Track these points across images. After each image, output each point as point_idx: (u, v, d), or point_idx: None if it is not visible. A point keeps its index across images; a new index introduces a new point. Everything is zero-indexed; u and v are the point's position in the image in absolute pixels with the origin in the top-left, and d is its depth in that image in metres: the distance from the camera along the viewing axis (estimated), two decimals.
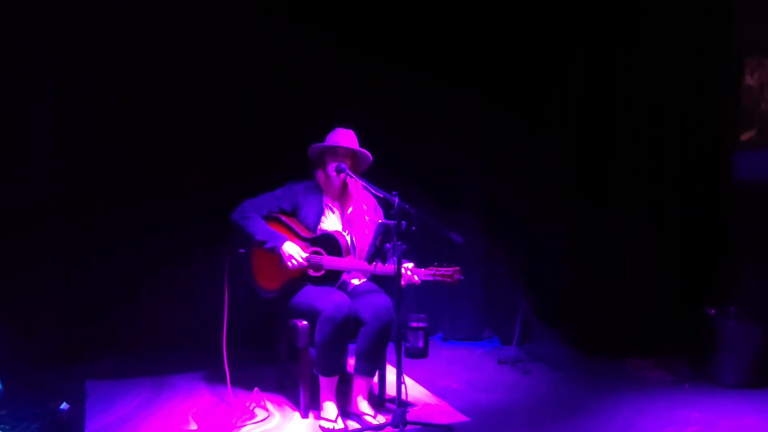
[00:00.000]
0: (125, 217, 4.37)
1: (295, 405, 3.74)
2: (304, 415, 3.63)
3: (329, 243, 3.64)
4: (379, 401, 3.81)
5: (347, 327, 3.49)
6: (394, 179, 4.41)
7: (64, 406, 3.52)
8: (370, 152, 3.78)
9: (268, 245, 3.60)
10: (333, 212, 3.81)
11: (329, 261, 3.62)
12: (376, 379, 3.77)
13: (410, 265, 3.47)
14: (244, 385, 3.85)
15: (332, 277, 3.64)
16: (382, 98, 4.82)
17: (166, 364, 4.33)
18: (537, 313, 4.82)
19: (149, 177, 4.41)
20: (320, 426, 3.51)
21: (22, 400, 3.64)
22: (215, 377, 4.07)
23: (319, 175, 3.80)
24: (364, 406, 3.60)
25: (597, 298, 4.91)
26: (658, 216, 4.97)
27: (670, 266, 4.98)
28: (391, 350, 3.64)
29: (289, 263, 3.57)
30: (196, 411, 3.69)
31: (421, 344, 4.72)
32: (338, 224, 3.78)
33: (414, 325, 4.70)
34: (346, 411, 3.63)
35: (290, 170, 4.00)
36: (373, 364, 3.61)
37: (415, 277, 3.47)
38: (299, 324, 3.60)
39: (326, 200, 3.81)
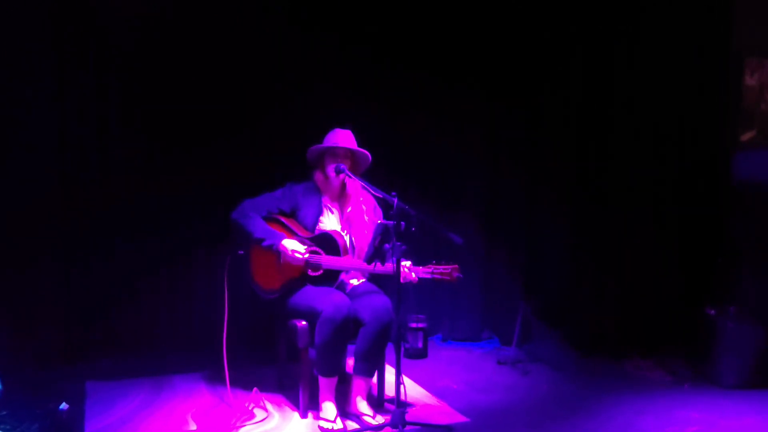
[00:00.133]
0: (125, 217, 4.37)
1: (295, 405, 3.74)
2: (304, 416, 3.63)
3: (327, 243, 3.64)
4: (378, 402, 3.82)
5: (347, 327, 3.49)
6: (393, 179, 4.42)
7: (63, 406, 3.53)
8: (370, 152, 3.79)
9: (266, 243, 3.61)
10: (332, 213, 3.81)
11: (327, 260, 3.62)
12: (375, 379, 3.77)
13: (408, 263, 3.47)
14: (243, 386, 3.85)
15: (331, 277, 3.64)
16: (382, 98, 4.82)
17: (166, 364, 4.33)
18: (536, 314, 4.82)
19: (149, 177, 4.41)
20: (319, 426, 3.52)
21: (21, 401, 3.64)
22: (215, 377, 4.07)
23: (318, 176, 3.80)
24: (363, 406, 3.60)
25: (597, 299, 4.90)
26: (658, 216, 4.96)
27: (670, 266, 4.98)
28: (390, 351, 3.64)
29: (291, 258, 3.56)
30: (196, 411, 3.70)
31: (420, 345, 4.69)
32: (337, 224, 3.79)
33: (413, 325, 4.67)
34: (345, 411, 3.63)
35: (290, 170, 4.01)
36: (372, 364, 3.61)
37: (413, 275, 3.47)
38: (299, 324, 3.60)
39: (325, 201, 3.81)
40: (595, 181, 4.89)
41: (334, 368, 3.55)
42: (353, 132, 3.81)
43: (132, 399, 3.85)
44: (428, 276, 3.47)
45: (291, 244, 3.59)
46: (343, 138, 3.74)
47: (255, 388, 3.77)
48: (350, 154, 3.77)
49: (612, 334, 4.84)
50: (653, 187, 4.94)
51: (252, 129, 4.58)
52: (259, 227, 3.65)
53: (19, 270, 4.18)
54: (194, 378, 4.17)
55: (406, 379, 3.91)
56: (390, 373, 3.87)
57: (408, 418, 3.36)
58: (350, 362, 3.69)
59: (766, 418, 3.78)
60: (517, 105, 4.94)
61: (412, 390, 4.06)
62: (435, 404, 3.90)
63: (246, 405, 3.71)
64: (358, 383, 3.61)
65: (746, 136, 4.91)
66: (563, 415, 3.79)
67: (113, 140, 4.36)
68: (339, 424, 3.49)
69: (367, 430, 3.47)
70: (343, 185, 3.80)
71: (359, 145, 3.78)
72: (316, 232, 3.72)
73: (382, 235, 3.40)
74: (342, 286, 3.77)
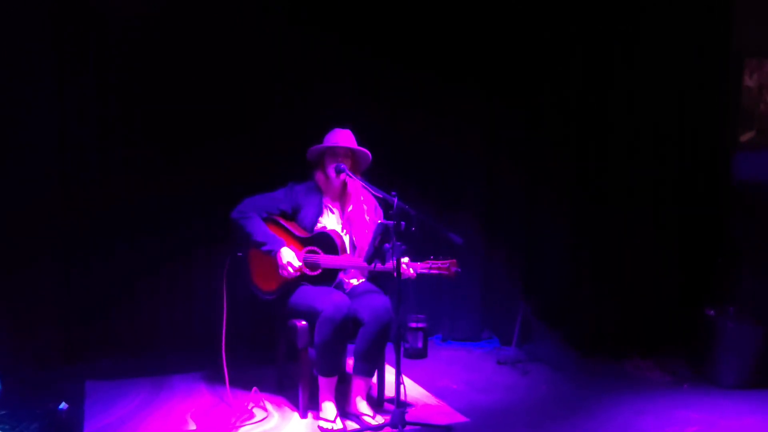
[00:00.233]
0: (125, 217, 4.37)
1: (294, 405, 3.74)
2: (303, 416, 3.63)
3: (324, 241, 3.64)
4: (378, 401, 3.82)
5: (346, 327, 3.49)
6: (393, 179, 4.41)
7: (63, 406, 3.53)
8: (370, 152, 3.79)
9: (265, 248, 3.61)
10: (332, 213, 3.81)
11: (325, 260, 3.62)
12: (375, 379, 3.77)
13: (406, 259, 3.46)
14: (243, 386, 3.85)
15: (329, 277, 3.64)
16: (382, 98, 4.82)
17: (166, 364, 4.33)
18: (536, 314, 4.82)
19: (149, 177, 4.41)
20: (319, 426, 3.52)
21: (21, 400, 3.64)
22: (214, 377, 4.07)
23: (319, 176, 3.80)
24: (363, 406, 3.60)
25: (597, 299, 4.90)
26: (658, 216, 4.96)
27: (670, 266, 4.98)
28: (390, 351, 3.65)
29: (284, 272, 3.57)
30: (195, 411, 3.70)
31: (420, 345, 4.70)
32: (337, 224, 3.79)
33: (413, 325, 4.69)
34: (345, 411, 3.63)
35: (290, 170, 4.01)
36: (372, 364, 3.61)
37: (411, 270, 3.47)
38: (299, 324, 3.60)
39: (326, 201, 3.81)
40: (595, 181, 4.89)
41: (334, 368, 3.55)
42: (353, 132, 3.81)
43: (131, 399, 3.85)
44: (426, 271, 3.47)
45: (287, 256, 3.59)
46: (342, 137, 3.74)
47: (254, 388, 3.77)
48: (350, 153, 3.77)
49: (612, 334, 4.84)
50: (653, 187, 4.94)
51: (252, 129, 4.58)
52: (259, 230, 3.65)
53: (19, 270, 4.17)
54: (194, 378, 4.17)
55: (405, 379, 3.91)
56: (390, 373, 3.87)
57: (408, 418, 3.36)
58: (350, 362, 3.69)
59: (766, 418, 3.79)
60: (517, 105, 4.94)
61: (412, 390, 4.06)
62: (435, 404, 3.90)
63: (245, 405, 3.71)
64: (357, 383, 3.61)
65: (746, 137, 4.91)
66: (563, 415, 3.79)
67: (113, 140, 4.36)
68: (339, 424, 3.49)
69: (366, 430, 3.47)
70: (344, 185, 3.80)
71: (359, 145, 3.78)
72: (315, 232, 3.72)
73: (382, 235, 3.40)
74: (341, 286, 3.77)
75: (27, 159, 4.16)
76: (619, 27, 4.81)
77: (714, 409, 3.89)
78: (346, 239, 3.74)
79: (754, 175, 4.83)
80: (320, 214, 3.77)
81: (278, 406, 3.79)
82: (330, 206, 3.82)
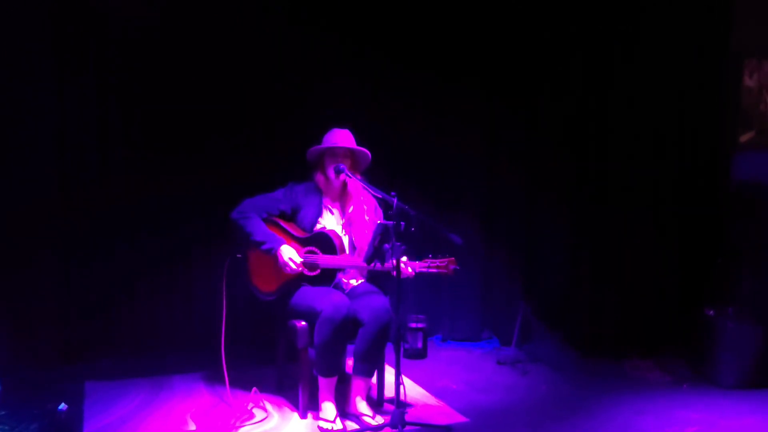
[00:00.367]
0: (125, 217, 4.37)
1: (294, 405, 3.74)
2: (303, 416, 3.63)
3: (323, 242, 3.64)
4: (377, 402, 3.82)
5: (346, 328, 3.49)
6: (393, 179, 4.42)
7: (62, 406, 3.53)
8: (370, 152, 3.78)
9: (265, 246, 3.61)
10: (332, 213, 3.81)
11: (324, 260, 3.62)
12: (374, 379, 3.77)
13: (404, 258, 3.46)
14: (243, 386, 3.85)
15: (328, 277, 3.64)
16: (382, 98, 4.82)
17: (165, 364, 4.33)
18: (536, 314, 4.82)
19: (149, 177, 4.41)
20: (319, 426, 3.52)
21: (20, 401, 3.64)
22: (214, 378, 4.07)
23: (319, 177, 3.80)
24: (362, 406, 3.60)
25: (596, 299, 4.90)
26: (658, 216, 4.96)
27: (670, 267, 4.98)
28: (390, 351, 3.65)
29: (286, 268, 3.57)
30: (195, 411, 3.70)
31: (420, 345, 4.67)
32: (337, 225, 3.79)
33: (413, 325, 4.66)
34: (344, 411, 3.63)
35: (290, 170, 4.01)
36: (371, 364, 3.61)
37: (409, 269, 3.47)
38: (298, 325, 3.60)
39: (326, 201, 3.81)
40: (595, 181, 4.89)
41: (334, 368, 3.55)
42: (353, 132, 3.81)
43: (131, 399, 3.84)
44: (425, 270, 3.47)
45: (287, 252, 3.59)
46: (341, 138, 3.74)
47: (254, 389, 3.77)
48: (350, 153, 3.77)
49: (612, 334, 4.84)
50: (653, 187, 4.94)
51: (252, 129, 4.58)
52: (258, 229, 3.65)
53: (19, 270, 4.18)
54: (193, 378, 4.17)
55: (405, 380, 3.90)
56: (389, 373, 3.87)
57: (407, 418, 3.36)
58: (350, 362, 3.69)
59: (766, 418, 3.79)
60: (516, 105, 4.94)
61: (412, 390, 4.06)
62: (434, 404, 3.90)
63: (245, 405, 3.71)
64: (357, 383, 3.61)
65: (745, 137, 4.91)
66: (563, 415, 3.79)
67: (113, 140, 4.36)
68: (338, 425, 3.49)
69: (366, 430, 3.47)
70: (344, 185, 3.80)
71: (359, 145, 3.78)
72: (313, 232, 3.72)
73: (382, 235, 3.40)
74: (339, 286, 3.77)
75: (27, 159, 4.16)
76: (619, 27, 4.81)
77: (714, 409, 3.89)
78: (346, 239, 3.74)
79: (754, 175, 4.83)
80: (320, 214, 3.77)
81: (278, 406, 3.79)
82: (330, 206, 3.82)
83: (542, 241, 5.02)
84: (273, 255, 3.60)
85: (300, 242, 3.68)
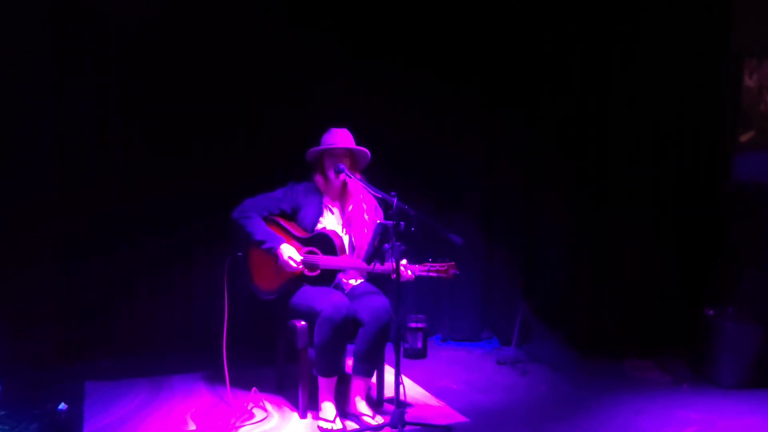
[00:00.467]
0: (124, 217, 4.37)
1: (294, 405, 3.74)
2: (303, 416, 3.63)
3: (323, 242, 3.64)
4: (377, 402, 3.82)
5: (346, 328, 3.49)
6: (393, 179, 4.41)
7: (62, 406, 3.53)
8: (370, 151, 3.78)
9: (265, 246, 3.61)
10: (332, 213, 3.81)
11: (324, 260, 3.62)
12: (374, 379, 3.77)
13: (404, 261, 3.46)
14: (243, 386, 3.85)
15: (328, 277, 3.64)
16: (382, 98, 4.81)
17: (165, 364, 4.33)
18: (536, 314, 4.81)
19: (149, 177, 4.41)
20: (319, 426, 3.52)
21: (20, 401, 3.65)
22: (214, 378, 4.07)
23: (318, 177, 3.79)
24: (362, 406, 3.60)
25: (596, 299, 4.91)
26: (658, 216, 4.96)
27: (670, 266, 4.98)
28: (389, 351, 3.65)
29: (286, 267, 3.57)
30: (195, 411, 3.70)
31: (419, 345, 4.71)
32: (337, 224, 3.79)
33: (413, 325, 4.70)
34: (344, 411, 3.63)
35: (290, 170, 4.01)
36: (371, 364, 3.61)
37: (409, 272, 3.47)
38: (298, 325, 3.60)
39: (326, 201, 3.81)
40: (595, 181, 4.89)
41: (334, 368, 3.55)
42: (353, 131, 3.81)
43: (131, 399, 3.85)
44: (425, 273, 3.47)
45: (287, 251, 3.59)
46: (340, 138, 3.74)
47: (254, 388, 3.77)
48: (348, 152, 3.76)
49: (611, 334, 4.84)
50: (653, 188, 4.94)
51: (252, 129, 4.58)
52: (259, 229, 3.65)
53: (18, 270, 4.18)
54: (193, 378, 4.17)
55: (405, 379, 3.90)
56: (389, 373, 3.87)
57: (407, 418, 3.36)
58: (350, 362, 3.69)
59: (765, 418, 3.79)
60: (516, 105, 4.94)
61: (412, 390, 4.06)
62: (434, 404, 3.90)
63: (245, 405, 3.71)
64: (357, 383, 3.62)
65: (745, 137, 4.91)
66: (563, 415, 3.79)
67: (113, 140, 4.36)
68: (338, 425, 3.50)
69: (366, 430, 3.47)
70: (344, 184, 3.80)
71: (358, 144, 3.78)
72: (314, 232, 3.72)
73: (382, 235, 3.40)
74: (339, 287, 3.77)
75: (27, 159, 4.16)
76: (619, 27, 4.81)
77: (713, 409, 3.89)
78: (346, 239, 3.74)
79: (753, 175, 4.82)
80: (320, 214, 3.77)
81: (278, 406, 3.80)
82: (330, 206, 3.82)
83: (542, 241, 5.02)
84: (273, 254, 3.60)
85: (301, 242, 3.68)
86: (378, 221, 3.44)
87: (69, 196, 4.28)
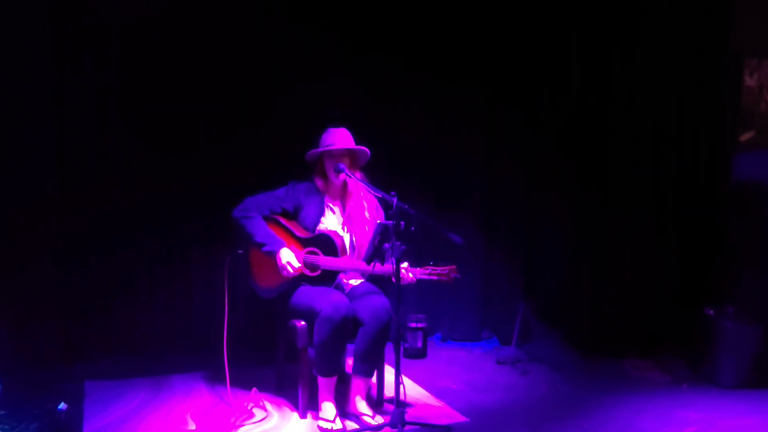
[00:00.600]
0: (124, 216, 4.37)
1: (294, 405, 3.74)
2: (303, 416, 3.63)
3: (325, 243, 3.64)
4: (377, 401, 3.82)
5: (346, 327, 3.49)
6: (393, 179, 4.41)
7: (62, 406, 3.52)
8: (370, 151, 3.78)
9: (266, 248, 3.61)
10: (333, 212, 3.81)
11: (325, 261, 3.62)
12: (374, 379, 3.77)
13: (406, 264, 3.47)
14: (242, 385, 3.85)
15: (328, 277, 3.64)
16: (382, 98, 4.81)
17: (165, 364, 4.33)
18: (536, 314, 4.81)
19: (148, 177, 4.41)
20: (319, 426, 3.52)
21: (20, 401, 3.64)
22: (214, 377, 4.07)
23: (318, 179, 3.79)
24: (362, 406, 3.60)
25: (596, 299, 4.90)
26: (658, 216, 4.96)
27: (670, 266, 4.98)
28: (389, 351, 3.64)
29: (283, 272, 3.58)
30: (195, 411, 3.70)
31: (419, 345, 4.70)
32: (338, 224, 3.79)
33: (413, 325, 4.69)
34: (344, 411, 3.63)
35: (290, 170, 4.01)
36: (371, 364, 3.61)
37: (410, 275, 3.47)
38: (298, 324, 3.60)
39: (327, 200, 3.81)
40: (595, 181, 4.89)
41: (333, 368, 3.55)
42: (353, 131, 3.81)
43: (131, 399, 3.85)
44: (426, 277, 3.48)
45: (286, 256, 3.59)
46: (338, 137, 3.73)
47: (254, 388, 3.77)
48: (348, 151, 3.76)
49: (611, 334, 4.84)
50: (653, 187, 4.94)
51: (252, 129, 4.58)
52: (260, 230, 3.65)
53: (18, 270, 4.17)
54: (193, 378, 4.17)
55: (405, 379, 3.90)
56: (389, 373, 3.87)
57: (407, 418, 3.36)
58: (350, 362, 3.69)
59: (765, 418, 3.79)
60: (517, 105, 4.94)
61: (412, 390, 4.06)
62: (434, 404, 3.90)
63: (245, 405, 3.71)
64: (357, 383, 3.62)
65: (745, 137, 4.91)
66: (562, 414, 3.79)
67: (113, 140, 4.35)
68: (338, 424, 3.50)
69: (366, 430, 3.47)
70: (345, 184, 3.80)
71: (358, 142, 3.78)
72: (315, 233, 3.72)
73: (382, 234, 3.40)
74: (340, 287, 3.77)
75: (27, 159, 4.15)
76: (619, 27, 4.81)
77: (713, 409, 3.90)
78: (347, 238, 3.74)
79: (753, 175, 4.83)
80: (322, 213, 3.77)
81: (278, 406, 3.80)
82: (331, 205, 3.82)
83: (542, 241, 5.02)
84: (273, 258, 3.60)
85: (302, 242, 3.68)
86: (378, 221, 3.44)
87: (69, 196, 4.27)
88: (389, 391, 3.77)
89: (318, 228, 3.74)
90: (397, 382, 3.30)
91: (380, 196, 3.52)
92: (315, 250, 3.65)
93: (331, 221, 3.78)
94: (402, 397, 3.31)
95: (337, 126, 3.78)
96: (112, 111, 4.34)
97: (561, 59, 4.86)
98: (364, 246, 3.77)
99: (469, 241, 4.36)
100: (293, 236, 3.70)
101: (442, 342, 5.10)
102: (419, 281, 3.51)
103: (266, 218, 3.72)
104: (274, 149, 4.55)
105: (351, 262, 3.70)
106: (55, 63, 4.18)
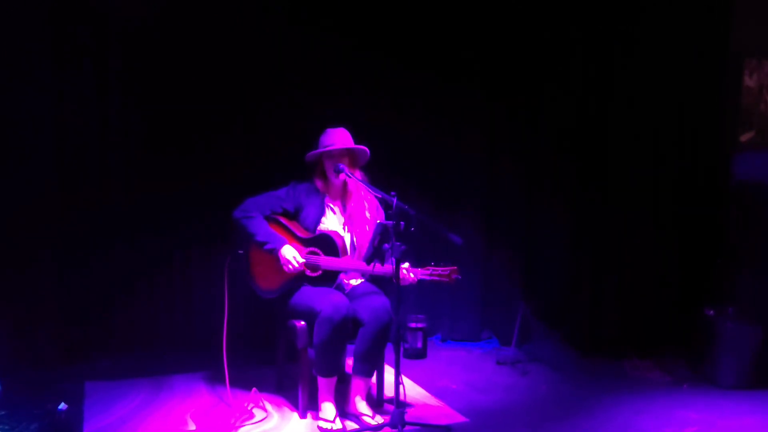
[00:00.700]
0: (124, 217, 4.37)
1: (294, 405, 3.75)
2: (303, 416, 3.63)
3: (326, 243, 3.64)
4: (377, 402, 3.82)
5: (346, 328, 3.49)
6: (393, 179, 4.41)
7: (62, 406, 3.52)
8: (369, 150, 3.78)
9: (267, 247, 3.61)
10: (334, 212, 3.81)
11: (326, 261, 3.62)
12: (374, 379, 3.77)
13: (407, 264, 3.47)
14: (242, 386, 3.85)
15: (329, 278, 3.64)
16: (381, 98, 4.81)
17: (165, 364, 4.33)
18: (536, 314, 4.82)
19: (148, 177, 4.40)
20: (318, 426, 3.52)
21: (20, 401, 3.64)
22: (214, 378, 4.07)
23: (318, 179, 3.79)
24: (362, 406, 3.60)
25: (596, 299, 4.90)
26: (658, 216, 4.96)
27: (670, 267, 4.98)
28: (389, 351, 3.64)
29: (286, 268, 3.58)
30: (195, 411, 3.70)
31: (419, 345, 4.69)
32: (338, 224, 3.79)
33: (413, 325, 4.67)
34: (344, 411, 3.63)
35: (290, 170, 4.00)
36: (371, 364, 3.61)
37: (411, 275, 3.47)
38: (298, 325, 3.60)
39: (327, 200, 3.81)
40: (595, 181, 4.89)
41: (333, 368, 3.55)
42: (352, 131, 3.80)
43: (131, 399, 3.85)
44: (427, 277, 3.48)
45: (289, 253, 3.59)
46: (337, 138, 3.73)
47: (254, 388, 3.77)
48: (347, 151, 3.76)
49: (611, 334, 4.84)
50: (653, 187, 4.94)
51: (252, 129, 4.58)
52: (261, 229, 3.65)
53: (18, 270, 4.17)
54: (193, 378, 4.17)
55: (405, 380, 3.90)
56: (389, 373, 3.87)
57: (407, 418, 3.36)
58: (350, 362, 3.69)
59: (765, 418, 3.79)
60: (517, 105, 4.94)
61: (412, 390, 4.06)
62: (434, 404, 3.90)
63: (245, 405, 3.71)
64: (357, 383, 3.62)
65: (745, 137, 4.91)
66: (562, 415, 3.79)
67: (113, 140, 4.35)
68: (338, 425, 3.50)
69: (366, 430, 3.47)
70: (345, 184, 3.80)
71: (358, 142, 3.78)
72: (316, 233, 3.72)
73: (381, 235, 3.40)
74: (340, 287, 3.77)
75: (27, 159, 4.15)
76: (619, 27, 4.81)
77: (713, 409, 3.90)
78: (347, 237, 3.74)
79: (753, 175, 4.83)
80: (322, 213, 3.77)
81: (278, 406, 3.80)
82: (331, 205, 3.82)
83: (542, 241, 5.02)
84: (275, 255, 3.60)
85: (302, 242, 3.68)
86: (378, 221, 3.44)
87: (69, 196, 4.27)
88: (389, 391, 3.77)
89: (319, 228, 3.74)
90: (397, 383, 3.30)
91: (380, 196, 3.52)
92: (316, 250, 3.65)
93: (332, 221, 3.78)
94: (402, 397, 3.31)
95: (337, 126, 3.78)
96: (112, 111, 4.34)
97: (561, 59, 4.86)
98: (365, 246, 3.77)
99: (469, 241, 4.36)
100: (294, 236, 3.70)
101: (442, 342, 5.10)
102: (420, 282, 3.51)
103: (267, 218, 3.73)
104: (274, 149, 4.55)
105: (352, 262, 3.70)
106: (55, 63, 4.18)
